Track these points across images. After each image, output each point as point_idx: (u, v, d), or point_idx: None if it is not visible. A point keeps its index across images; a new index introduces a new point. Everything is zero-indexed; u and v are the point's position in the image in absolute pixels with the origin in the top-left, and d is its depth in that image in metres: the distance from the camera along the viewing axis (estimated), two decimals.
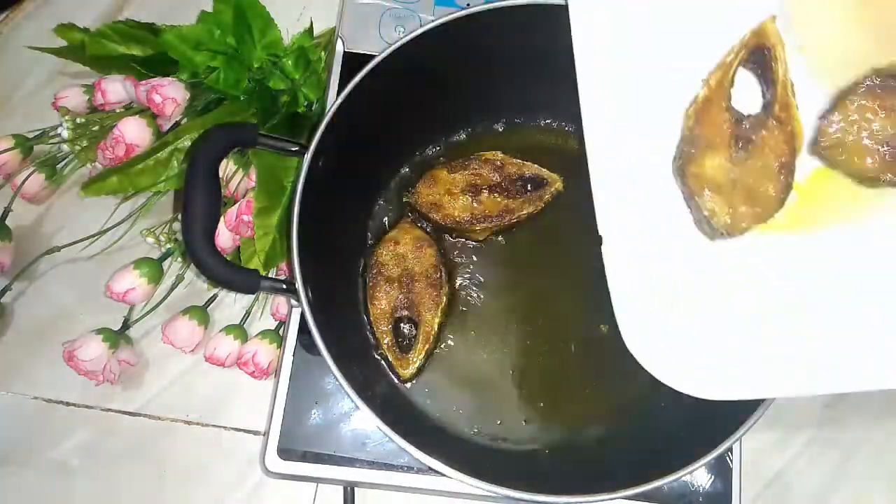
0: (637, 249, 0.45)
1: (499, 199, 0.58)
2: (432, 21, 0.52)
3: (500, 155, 0.59)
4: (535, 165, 0.59)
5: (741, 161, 0.46)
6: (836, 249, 0.45)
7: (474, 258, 0.60)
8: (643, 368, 0.56)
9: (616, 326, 0.58)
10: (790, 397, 0.44)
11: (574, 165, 0.61)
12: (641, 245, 0.45)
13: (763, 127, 0.46)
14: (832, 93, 0.46)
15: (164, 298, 0.61)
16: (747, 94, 0.47)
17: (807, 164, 0.46)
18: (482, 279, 0.59)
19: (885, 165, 0.45)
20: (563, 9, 0.52)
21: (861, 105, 0.45)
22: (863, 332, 0.44)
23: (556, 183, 0.59)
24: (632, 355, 0.56)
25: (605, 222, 0.45)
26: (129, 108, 0.62)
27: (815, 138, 0.46)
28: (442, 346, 0.57)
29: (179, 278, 0.62)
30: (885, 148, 0.45)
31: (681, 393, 0.55)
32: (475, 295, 0.59)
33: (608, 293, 0.58)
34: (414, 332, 0.56)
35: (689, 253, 0.46)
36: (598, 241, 0.45)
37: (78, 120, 0.61)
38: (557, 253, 0.60)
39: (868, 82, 0.45)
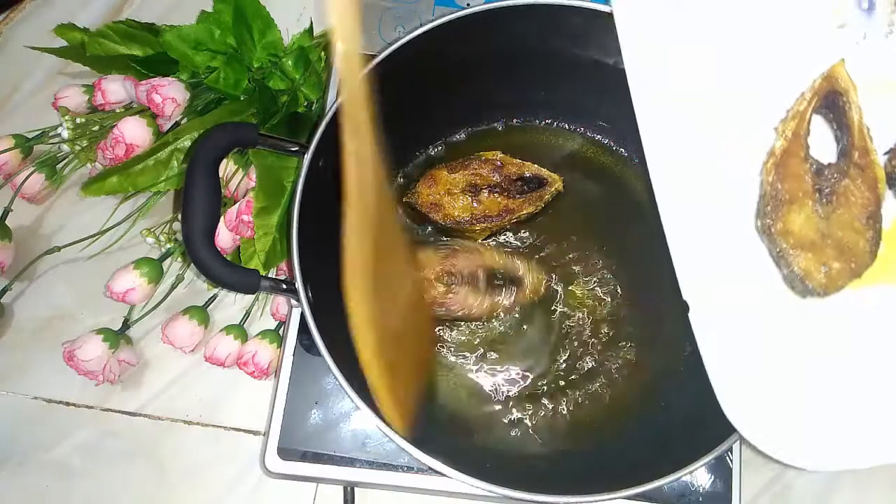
0: (725, 312, 0.44)
1: (499, 199, 0.58)
2: (432, 21, 0.52)
3: (499, 155, 0.59)
4: (535, 166, 0.59)
5: (827, 214, 0.44)
6: None
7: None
8: (641, 368, 0.57)
9: (614, 326, 0.58)
10: None
11: (573, 165, 0.62)
12: (730, 308, 0.44)
13: (844, 175, 0.44)
14: None
15: (164, 298, 0.61)
16: (820, 143, 0.45)
17: (890, 209, 0.45)
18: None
19: None
20: (565, 9, 0.52)
21: None
22: None
23: (556, 183, 0.59)
24: (635, 357, 0.57)
25: (689, 288, 0.43)
26: (129, 108, 0.62)
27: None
28: (442, 347, 0.57)
29: (179, 278, 0.62)
30: None
31: (680, 393, 0.55)
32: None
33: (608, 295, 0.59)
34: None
35: (780, 312, 0.44)
36: (685, 308, 0.43)
37: (78, 120, 0.61)
38: (558, 252, 0.60)
39: None
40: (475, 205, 0.58)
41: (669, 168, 0.44)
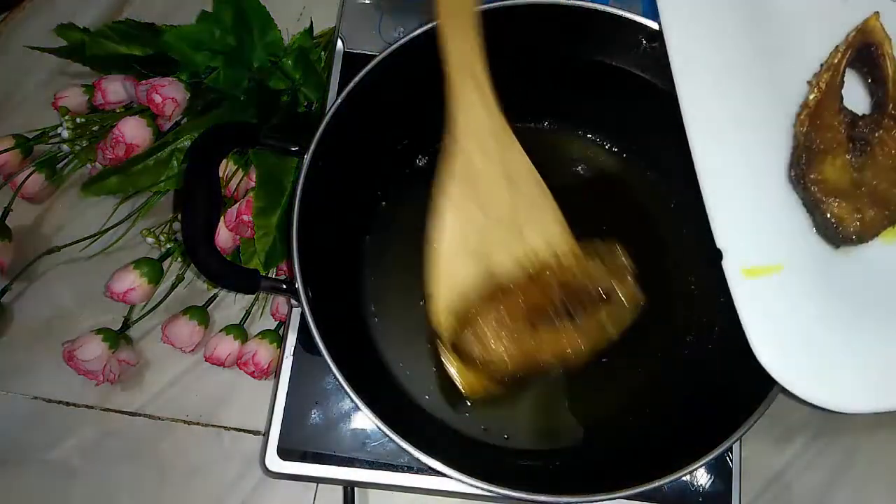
0: (759, 262, 0.45)
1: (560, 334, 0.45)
2: (432, 21, 0.52)
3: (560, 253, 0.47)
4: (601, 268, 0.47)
5: (862, 163, 0.45)
6: None
7: None
8: (641, 368, 0.57)
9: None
10: None
11: (574, 167, 0.62)
12: (763, 257, 0.45)
13: (879, 126, 0.45)
14: None
15: (164, 298, 0.62)
16: (853, 97, 0.46)
17: None
18: None
19: None
20: (565, 9, 0.52)
21: None
22: None
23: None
24: (635, 357, 0.57)
25: (724, 237, 0.44)
26: (129, 108, 0.62)
27: None
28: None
29: (179, 278, 0.62)
30: None
31: (681, 393, 0.55)
32: None
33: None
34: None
35: (814, 262, 0.45)
36: (718, 256, 0.44)
37: (78, 120, 0.61)
38: None
39: None
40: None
41: (706, 122, 0.45)
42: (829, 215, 0.45)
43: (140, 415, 0.61)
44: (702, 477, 0.54)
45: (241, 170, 0.61)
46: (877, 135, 0.45)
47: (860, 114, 0.46)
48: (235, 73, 0.62)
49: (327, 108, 0.51)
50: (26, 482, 0.59)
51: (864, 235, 0.45)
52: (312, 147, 0.50)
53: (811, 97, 0.46)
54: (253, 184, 0.58)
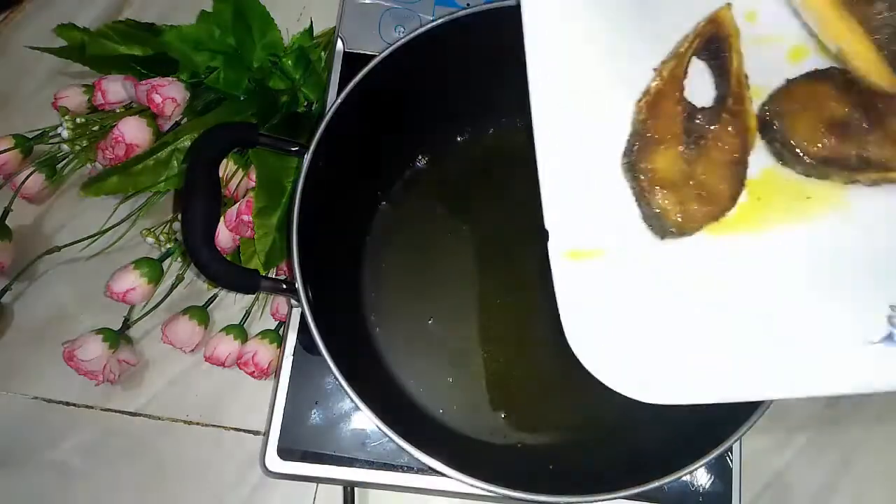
0: (582, 246, 0.43)
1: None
2: (432, 21, 0.52)
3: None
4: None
5: (693, 157, 0.44)
6: (789, 250, 0.44)
7: (470, 247, 0.60)
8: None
9: None
10: (738, 401, 0.43)
11: None
12: (587, 242, 0.43)
13: (716, 121, 0.44)
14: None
15: (164, 298, 0.62)
16: (702, 87, 0.45)
17: (760, 160, 0.45)
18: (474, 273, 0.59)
19: (830, 150, 0.44)
20: None
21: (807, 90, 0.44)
22: (815, 334, 0.42)
23: None
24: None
25: (553, 217, 0.43)
26: (129, 108, 0.62)
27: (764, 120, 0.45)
28: (441, 340, 0.57)
29: (179, 278, 0.62)
30: (829, 135, 0.44)
31: None
32: (471, 289, 0.59)
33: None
34: None
35: (639, 251, 0.44)
36: (545, 236, 0.43)
37: (78, 120, 0.62)
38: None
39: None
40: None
41: (550, 97, 0.44)
42: (652, 206, 0.44)
43: (140, 415, 0.61)
44: (702, 477, 0.54)
45: (241, 170, 0.61)
46: (713, 129, 0.44)
47: (700, 106, 0.45)
48: (235, 73, 0.62)
49: (327, 108, 0.51)
50: (26, 482, 0.59)
51: (686, 228, 0.44)
52: (312, 147, 0.50)
53: (653, 85, 0.44)
54: (253, 184, 0.58)
